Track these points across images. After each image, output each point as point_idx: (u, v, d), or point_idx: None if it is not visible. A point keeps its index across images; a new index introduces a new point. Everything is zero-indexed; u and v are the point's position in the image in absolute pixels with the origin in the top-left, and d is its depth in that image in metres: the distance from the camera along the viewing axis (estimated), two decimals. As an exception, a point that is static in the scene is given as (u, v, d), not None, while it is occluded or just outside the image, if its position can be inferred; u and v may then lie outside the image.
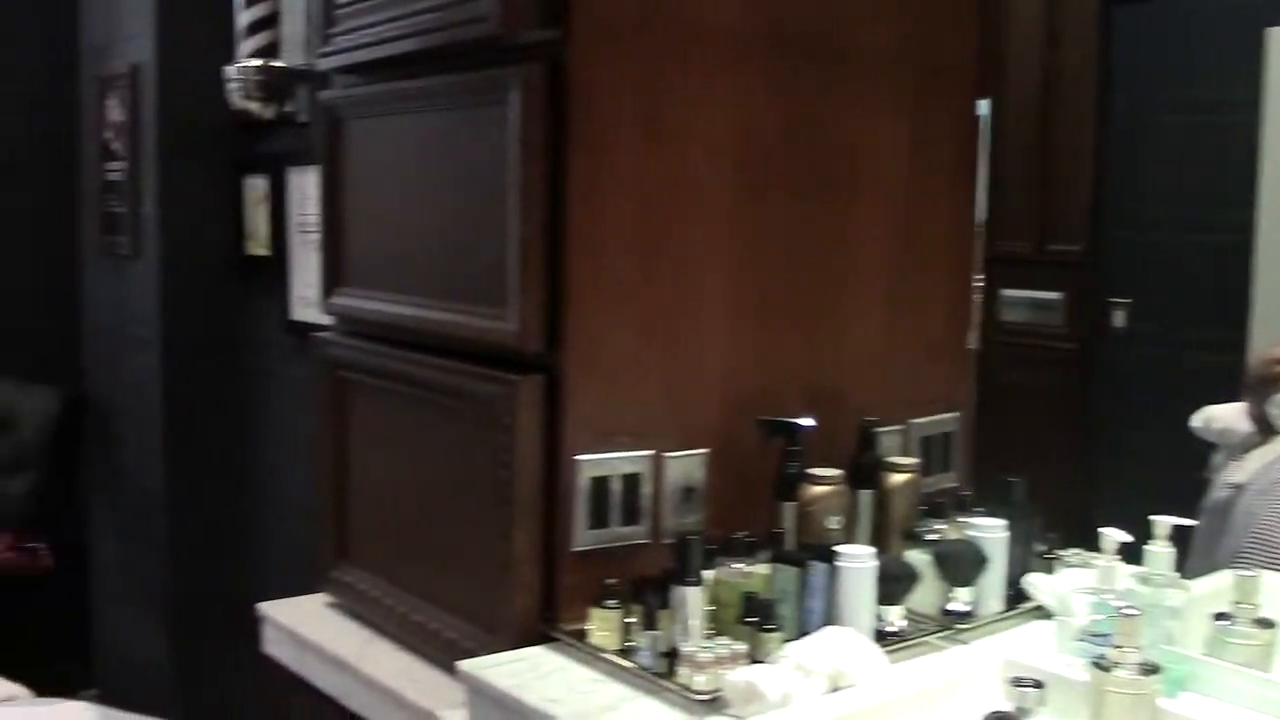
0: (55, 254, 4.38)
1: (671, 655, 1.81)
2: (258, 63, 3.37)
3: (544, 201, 1.90)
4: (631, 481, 1.98)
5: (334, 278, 2.41)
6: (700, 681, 1.72)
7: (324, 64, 2.43)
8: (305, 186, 3.36)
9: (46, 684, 3.09)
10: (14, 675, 3.07)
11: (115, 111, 3.98)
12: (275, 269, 3.49)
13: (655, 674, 1.79)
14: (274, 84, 3.38)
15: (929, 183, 2.32)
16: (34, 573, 3.96)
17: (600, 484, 1.95)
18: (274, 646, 2.47)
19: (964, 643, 1.96)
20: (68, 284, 4.38)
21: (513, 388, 1.92)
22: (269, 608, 2.48)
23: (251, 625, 2.53)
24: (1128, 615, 1.62)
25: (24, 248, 4.37)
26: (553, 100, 1.89)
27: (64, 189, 4.37)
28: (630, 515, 1.98)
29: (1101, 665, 1.63)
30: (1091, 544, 2.07)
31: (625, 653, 1.87)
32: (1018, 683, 1.65)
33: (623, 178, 1.94)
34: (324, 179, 2.42)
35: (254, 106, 3.40)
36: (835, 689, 1.74)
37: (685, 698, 1.72)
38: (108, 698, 3.82)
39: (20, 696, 1.24)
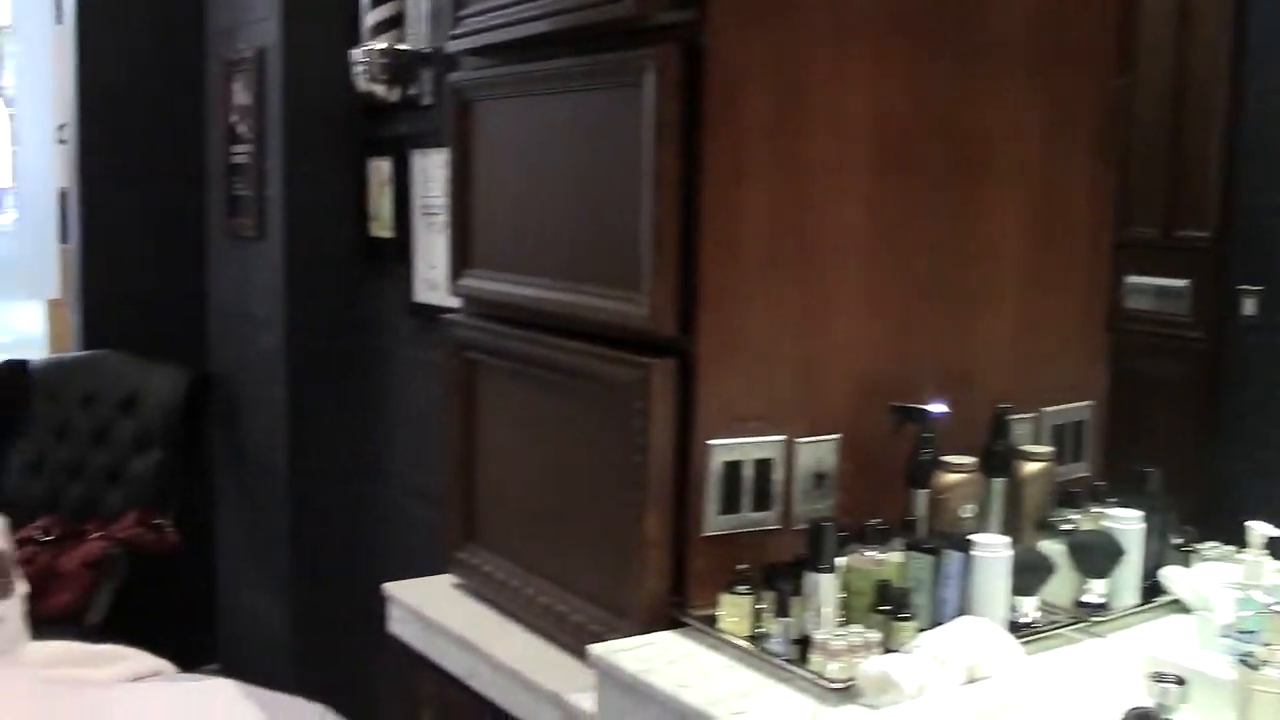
0: (182, 236, 4.45)
1: (803, 643, 1.80)
2: (383, 45, 3.40)
3: (678, 184, 1.89)
4: (763, 466, 1.96)
5: (462, 259, 2.42)
6: (834, 670, 1.71)
7: (454, 46, 2.44)
8: (429, 169, 3.38)
9: (172, 657, 3.16)
10: (142, 648, 3.13)
11: (241, 95, 4.03)
12: (398, 251, 3.51)
13: (787, 661, 1.78)
14: (399, 66, 3.40)
15: (1065, 165, 2.27)
16: (161, 549, 4.02)
17: (732, 468, 1.94)
18: (399, 626, 2.49)
19: (1100, 636, 1.92)
20: (194, 266, 4.45)
21: (646, 371, 1.91)
22: (395, 588, 2.50)
23: (372, 604, 2.55)
24: (1278, 612, 1.58)
25: (151, 231, 4.44)
26: (689, 82, 1.87)
27: (190, 172, 4.44)
28: (761, 500, 1.97)
29: (1249, 663, 1.59)
30: (1224, 537, 2.02)
31: (755, 639, 1.85)
32: (1159, 678, 1.61)
33: (758, 160, 1.92)
34: (453, 161, 2.43)
35: (379, 89, 3.43)
36: (971, 680, 1.72)
37: (818, 686, 1.71)
38: (229, 671, 3.88)
39: (165, 671, 1.26)
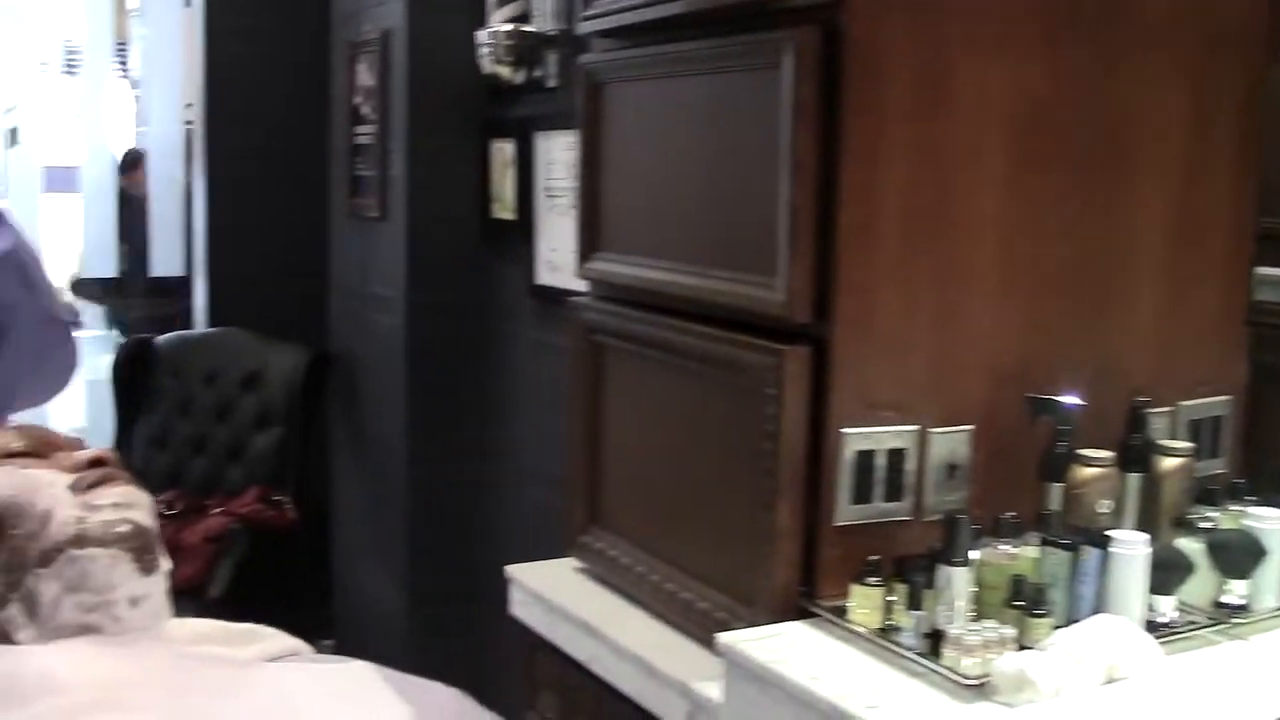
0: (305, 216, 4.50)
1: (934, 637, 1.77)
2: (508, 27, 3.40)
3: (815, 168, 1.86)
4: (895, 456, 1.93)
5: (591, 242, 2.41)
6: (968, 665, 1.67)
7: (585, 27, 2.43)
8: (552, 151, 3.38)
9: (288, 632, 3.18)
10: (261, 623, 3.16)
11: (365, 76, 4.07)
12: (520, 233, 3.52)
13: (919, 655, 1.75)
14: (524, 48, 3.40)
15: (1209, 154, 2.20)
16: (280, 525, 4.08)
17: (864, 458, 1.91)
18: (520, 608, 2.49)
19: (1242, 638, 1.87)
20: (316, 245, 4.50)
21: (779, 358, 1.89)
22: (517, 570, 2.50)
23: (486, 584, 2.55)
24: None
25: (275, 210, 4.51)
26: (827, 64, 1.85)
27: (313, 153, 4.49)
28: (893, 491, 1.94)
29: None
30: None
31: (885, 632, 1.82)
32: (1311, 684, 1.57)
33: (896, 145, 1.88)
34: (583, 143, 2.42)
35: (503, 71, 3.43)
36: (1109, 681, 1.68)
37: (952, 681, 1.68)
38: (344, 648, 3.93)
39: (302, 652, 1.26)
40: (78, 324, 5.05)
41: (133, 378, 4.54)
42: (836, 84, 1.85)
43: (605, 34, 2.40)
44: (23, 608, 1.15)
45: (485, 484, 3.82)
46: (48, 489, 1.19)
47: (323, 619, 4.41)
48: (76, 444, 1.27)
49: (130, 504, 1.22)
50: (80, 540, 1.17)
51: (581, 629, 2.27)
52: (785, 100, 1.86)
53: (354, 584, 4.37)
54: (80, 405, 5.72)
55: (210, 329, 4.60)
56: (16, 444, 1.23)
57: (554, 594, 2.37)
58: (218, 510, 4.08)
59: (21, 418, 1.48)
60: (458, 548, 3.87)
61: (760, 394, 1.92)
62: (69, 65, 5.58)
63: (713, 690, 1.92)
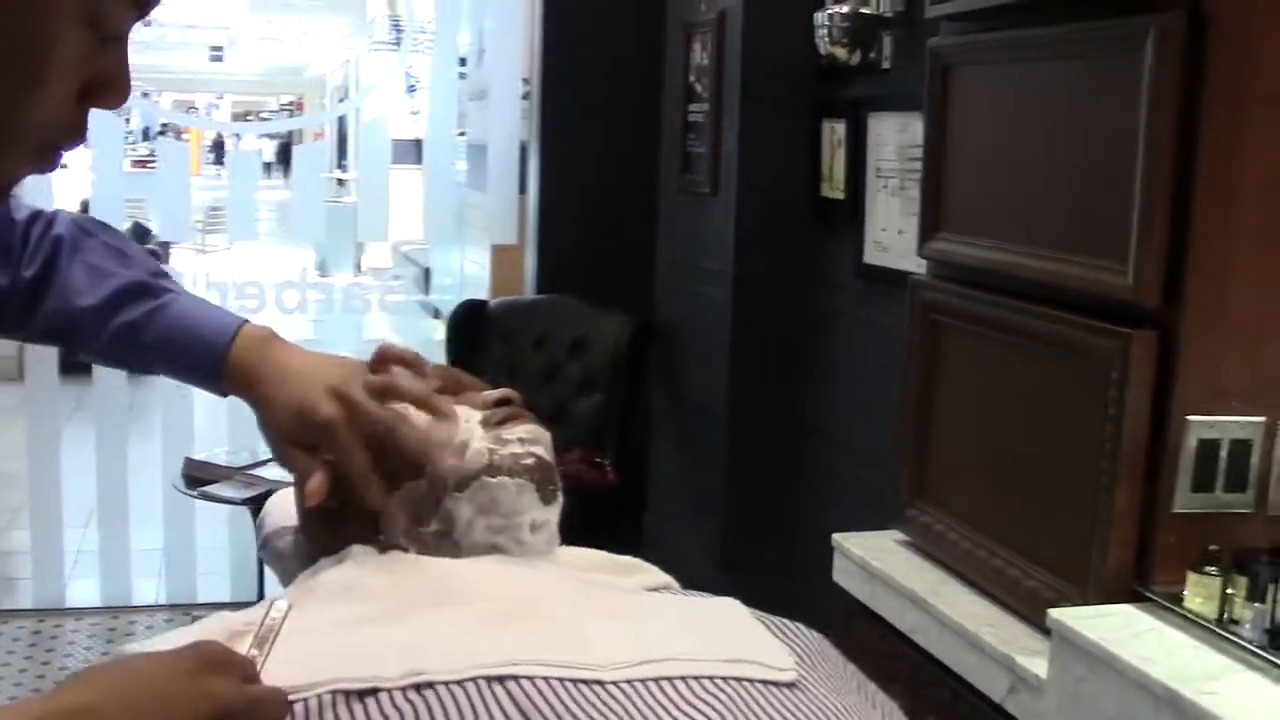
0: (637, 190, 4.65)
1: (1274, 633, 1.75)
2: (846, 9, 3.44)
3: (1173, 153, 1.85)
4: (1240, 447, 1.90)
5: (932, 222, 2.44)
6: (1313, 662, 1.66)
7: (934, 11, 2.46)
8: (884, 132, 3.42)
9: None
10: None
11: (700, 55, 4.17)
12: (849, 212, 3.56)
13: (1259, 648, 1.74)
14: (860, 30, 3.44)
15: None
16: (600, 486, 4.23)
17: (1207, 447, 1.89)
18: (843, 576, 2.55)
19: None
20: (647, 218, 4.65)
21: (1126, 342, 1.89)
22: (843, 539, 2.56)
23: (799, 554, 2.61)
24: None
25: (609, 183, 4.67)
26: (1191, 49, 1.84)
27: (645, 128, 4.63)
28: (1236, 482, 1.91)
29: None
30: None
31: (1223, 623, 1.82)
32: None
33: (1258, 133, 1.85)
34: (928, 124, 2.46)
35: (839, 52, 3.47)
36: None
37: (1294, 676, 1.66)
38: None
39: (673, 586, 1.36)
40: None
41: (466, 340, 4.77)
42: (1200, 69, 1.83)
43: (954, 18, 2.42)
44: (441, 526, 1.29)
45: (801, 456, 3.89)
46: (464, 423, 1.32)
47: (635, 580, 4.56)
48: (482, 385, 1.40)
49: (534, 439, 1.34)
50: (492, 469, 1.29)
51: (905, 599, 2.31)
52: (1145, 86, 1.85)
53: (665, 547, 4.50)
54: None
55: (539, 295, 4.80)
56: (435, 383, 1.37)
57: (878, 563, 2.42)
58: (542, 468, 4.26)
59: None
60: (770, 516, 3.95)
61: (1104, 377, 1.92)
62: (404, 43, 5.87)
63: (1038, 666, 1.94)
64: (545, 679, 1.05)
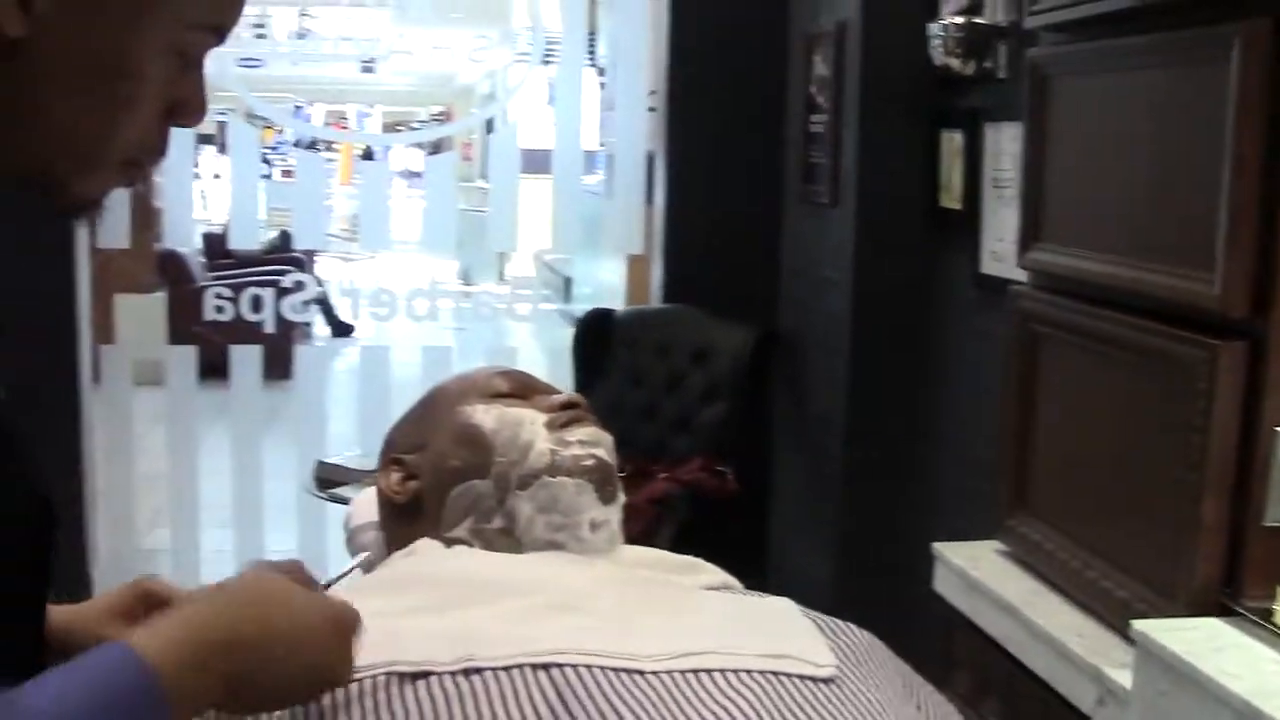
0: (758, 200, 4.68)
1: (1366, 649, 1.74)
2: (960, 20, 3.45)
3: (1259, 163, 1.84)
4: (1333, 461, 1.89)
5: (1032, 232, 2.45)
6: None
7: (1032, 22, 2.47)
8: (1001, 142, 3.41)
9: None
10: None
11: (820, 67, 4.20)
12: (967, 222, 3.56)
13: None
14: (975, 40, 3.44)
15: None
16: (722, 495, 4.27)
17: (1298, 459, 1.88)
18: (943, 585, 2.56)
19: None
20: (768, 228, 4.67)
21: (1213, 352, 1.88)
22: (943, 548, 2.57)
23: (912, 563, 2.62)
24: None
25: (732, 195, 4.70)
26: (1277, 57, 1.82)
27: (768, 139, 4.66)
28: (1328, 495, 1.90)
29: None
30: None
31: (1312, 639, 1.80)
32: None
33: (1350, 141, 1.84)
34: (1028, 135, 2.46)
35: (954, 62, 3.47)
36: None
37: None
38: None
39: (734, 586, 1.42)
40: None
41: (591, 348, 4.84)
42: (1287, 77, 1.82)
43: (1052, 28, 2.43)
44: (504, 523, 1.36)
45: (918, 464, 3.89)
46: (529, 424, 1.39)
47: (754, 587, 4.58)
48: (552, 389, 1.47)
49: (596, 442, 1.40)
50: (554, 469, 1.36)
51: (1000, 608, 2.32)
52: (1231, 93, 1.85)
53: (785, 554, 4.52)
54: (539, 373, 6.13)
55: (664, 305, 4.86)
56: (504, 386, 1.44)
57: (976, 573, 2.43)
58: (664, 475, 4.31)
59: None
60: (887, 526, 3.95)
61: (1191, 388, 1.92)
62: (546, 56, 5.96)
63: (1124, 678, 1.94)
64: (588, 667, 1.12)
